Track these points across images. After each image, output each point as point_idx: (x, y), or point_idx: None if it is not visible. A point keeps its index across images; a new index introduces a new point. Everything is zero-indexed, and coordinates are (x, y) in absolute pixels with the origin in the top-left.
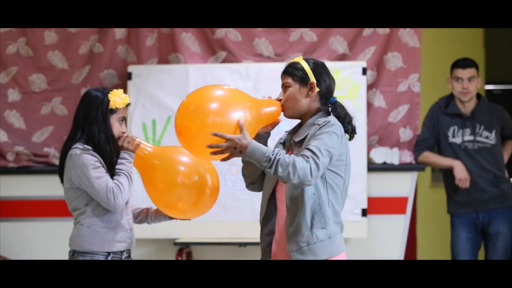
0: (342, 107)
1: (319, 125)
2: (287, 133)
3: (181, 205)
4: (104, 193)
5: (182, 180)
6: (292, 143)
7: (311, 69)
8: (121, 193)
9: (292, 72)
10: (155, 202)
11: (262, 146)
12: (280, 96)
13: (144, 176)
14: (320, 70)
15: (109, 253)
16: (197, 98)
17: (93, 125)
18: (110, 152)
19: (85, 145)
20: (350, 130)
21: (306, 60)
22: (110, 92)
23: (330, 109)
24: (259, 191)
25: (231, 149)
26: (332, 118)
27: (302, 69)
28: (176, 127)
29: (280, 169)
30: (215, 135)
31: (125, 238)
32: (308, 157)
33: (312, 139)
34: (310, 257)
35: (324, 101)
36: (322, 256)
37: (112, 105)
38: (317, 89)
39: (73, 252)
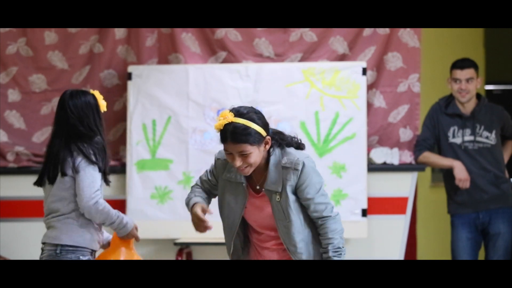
0: (282, 133)
1: (297, 170)
2: (220, 160)
3: None
4: None
5: None
6: (263, 190)
7: (255, 122)
8: None
9: (248, 140)
10: None
11: None
12: (238, 163)
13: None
14: (259, 116)
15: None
16: None
17: None
18: None
19: None
20: (302, 146)
21: (240, 114)
22: None
23: (277, 141)
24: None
25: None
26: (295, 155)
27: (256, 132)
28: None
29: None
30: None
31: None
32: (331, 214)
33: (308, 189)
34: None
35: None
36: None
37: None
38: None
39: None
